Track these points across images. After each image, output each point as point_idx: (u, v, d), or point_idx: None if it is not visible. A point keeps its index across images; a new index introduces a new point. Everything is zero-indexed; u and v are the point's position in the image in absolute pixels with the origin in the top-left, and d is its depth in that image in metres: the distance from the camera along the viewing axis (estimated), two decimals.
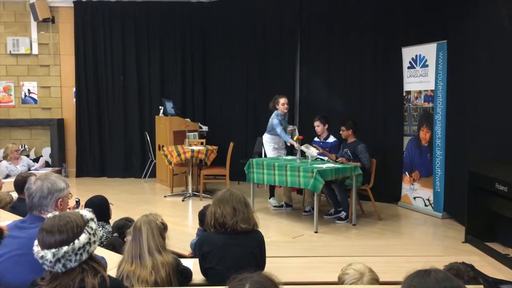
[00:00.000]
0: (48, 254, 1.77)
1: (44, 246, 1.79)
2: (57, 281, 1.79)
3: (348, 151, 6.16)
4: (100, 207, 3.97)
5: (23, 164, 7.64)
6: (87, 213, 1.93)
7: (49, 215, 1.93)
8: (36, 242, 1.83)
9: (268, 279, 1.53)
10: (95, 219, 1.95)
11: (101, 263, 1.94)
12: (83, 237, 1.84)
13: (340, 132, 6.29)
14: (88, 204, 3.98)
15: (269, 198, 6.88)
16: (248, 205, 2.80)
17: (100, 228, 3.67)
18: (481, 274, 2.54)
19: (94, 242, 1.88)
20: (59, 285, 1.79)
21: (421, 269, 1.50)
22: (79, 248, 1.81)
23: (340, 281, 2.37)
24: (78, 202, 3.70)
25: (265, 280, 1.52)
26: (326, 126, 6.38)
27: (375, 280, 2.33)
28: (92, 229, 1.89)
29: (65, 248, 1.78)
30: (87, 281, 1.79)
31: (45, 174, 2.50)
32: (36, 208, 2.37)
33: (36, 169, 7.68)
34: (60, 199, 2.43)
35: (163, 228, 2.70)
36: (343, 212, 6.01)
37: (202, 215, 3.66)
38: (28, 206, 2.39)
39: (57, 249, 1.78)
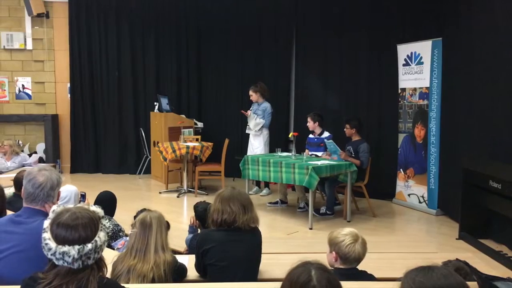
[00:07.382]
0: (72, 250, 1.68)
1: (66, 241, 1.70)
2: (65, 278, 1.70)
3: (351, 149, 6.16)
4: (111, 202, 4.07)
5: (14, 161, 7.55)
6: (98, 210, 1.86)
7: (54, 207, 1.85)
8: (47, 235, 1.74)
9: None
10: (104, 216, 1.89)
11: (104, 261, 1.86)
12: (102, 235, 1.78)
13: (344, 130, 6.29)
14: (99, 199, 3.99)
15: (259, 192, 7.28)
16: (252, 203, 2.82)
17: (107, 221, 3.69)
18: (475, 270, 2.56)
19: (106, 240, 1.82)
20: (69, 282, 1.70)
21: (423, 265, 1.48)
22: (100, 246, 1.76)
23: (334, 242, 2.43)
24: (83, 196, 3.62)
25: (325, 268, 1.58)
26: (317, 124, 6.37)
27: (364, 244, 2.46)
28: (105, 226, 1.84)
29: (89, 245, 1.72)
30: (89, 282, 1.72)
31: (43, 167, 2.44)
32: (41, 199, 2.28)
33: (30, 165, 7.62)
34: (58, 192, 2.40)
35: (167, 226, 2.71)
36: (323, 208, 6.04)
37: (201, 212, 3.66)
38: (30, 198, 2.29)
39: (81, 246, 1.70)
